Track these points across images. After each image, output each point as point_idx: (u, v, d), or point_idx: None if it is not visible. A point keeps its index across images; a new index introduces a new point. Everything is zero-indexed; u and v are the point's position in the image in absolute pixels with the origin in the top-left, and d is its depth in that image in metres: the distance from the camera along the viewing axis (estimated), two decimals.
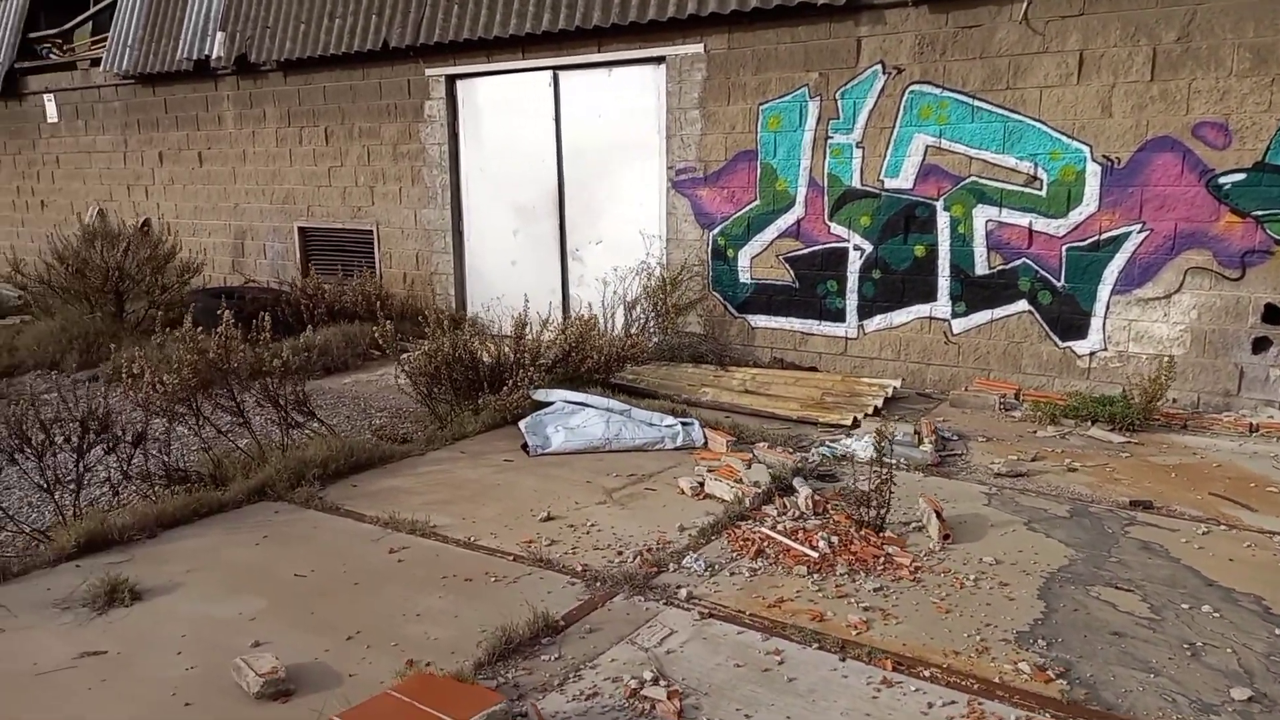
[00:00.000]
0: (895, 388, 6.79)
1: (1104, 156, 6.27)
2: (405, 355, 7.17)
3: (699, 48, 7.75)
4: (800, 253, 7.56)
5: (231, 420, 5.45)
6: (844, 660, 3.01)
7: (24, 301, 12.57)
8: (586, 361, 6.60)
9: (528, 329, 6.56)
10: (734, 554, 3.89)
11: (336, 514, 4.48)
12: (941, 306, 7.00)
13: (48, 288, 8.74)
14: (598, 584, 3.62)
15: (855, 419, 6.06)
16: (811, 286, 7.56)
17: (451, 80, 9.41)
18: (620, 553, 3.96)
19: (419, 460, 5.37)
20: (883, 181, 7.10)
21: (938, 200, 6.88)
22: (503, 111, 9.16)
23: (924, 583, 3.60)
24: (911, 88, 6.87)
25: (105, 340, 8.40)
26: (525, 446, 5.48)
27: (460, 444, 5.68)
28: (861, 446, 5.32)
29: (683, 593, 3.51)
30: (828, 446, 5.46)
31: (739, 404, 6.50)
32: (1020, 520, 4.28)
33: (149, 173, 12.38)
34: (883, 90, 6.99)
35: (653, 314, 8.10)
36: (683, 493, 4.70)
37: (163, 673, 3.03)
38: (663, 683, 2.88)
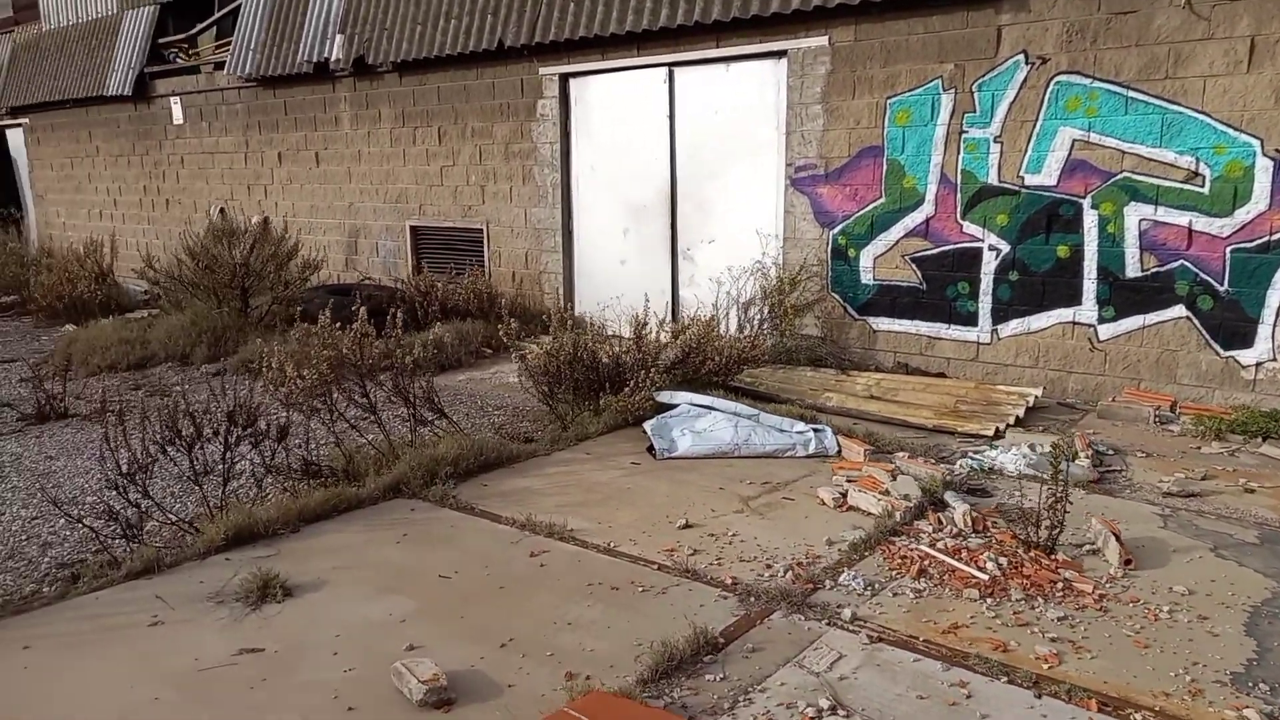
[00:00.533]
0: (1036, 396, 6.40)
1: (1276, 151, 5.77)
2: (524, 354, 7.17)
3: (823, 40, 7.50)
4: (929, 253, 7.23)
5: (359, 415, 5.48)
6: (1040, 698, 2.76)
7: (150, 296, 13.13)
8: (707, 363, 6.43)
9: (646, 329, 6.44)
10: (893, 573, 3.66)
11: (472, 514, 4.42)
12: (1086, 311, 6.58)
13: (177, 283, 9.05)
14: (751, 599, 3.45)
15: (997, 429, 5.72)
16: (940, 288, 7.22)
17: (565, 78, 9.37)
18: (769, 566, 3.77)
19: (545, 460, 5.29)
20: (1022, 178, 6.72)
21: (1084, 198, 6.47)
22: (616, 109, 9.07)
23: (1112, 613, 3.30)
24: (1058, 78, 6.47)
25: (232, 334, 8.66)
26: (651, 449, 5.34)
27: (584, 445, 5.58)
28: (1010, 459, 5.00)
29: (846, 613, 3.30)
30: (973, 459, 5.16)
31: (866, 410, 6.23)
32: (1205, 546, 3.92)
33: (268, 172, 12.76)
34: (1025, 81, 6.61)
35: (768, 315, 7.88)
36: (824, 504, 4.48)
37: (322, 674, 2.98)
38: (841, 712, 2.69)
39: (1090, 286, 6.54)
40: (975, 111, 6.87)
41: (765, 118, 8.08)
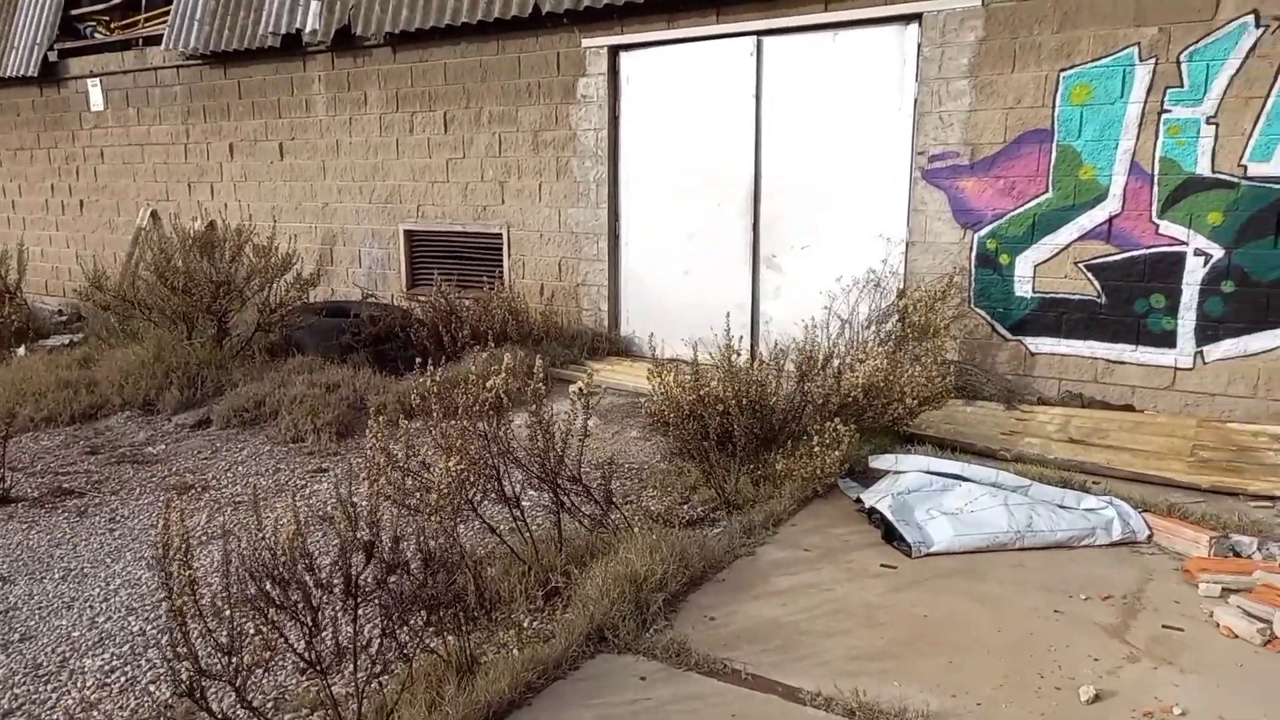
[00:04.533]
0: None
1: None
2: (584, 388, 5.60)
3: (974, 1, 6.13)
4: (1112, 259, 5.95)
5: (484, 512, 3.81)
6: None
7: (68, 318, 10.87)
8: (893, 407, 4.97)
9: (823, 360, 4.94)
10: None
11: (740, 682, 2.84)
12: None
13: (131, 305, 7.06)
14: None
15: None
16: (1125, 301, 5.95)
17: (615, 52, 7.77)
18: None
19: (757, 565, 3.73)
20: (1244, 167, 5.49)
21: None
22: (682, 88, 7.52)
23: None
24: None
25: (210, 371, 6.75)
26: (891, 537, 3.85)
27: (785, 533, 4.05)
28: None
29: None
30: None
31: (1089, 461, 4.86)
32: None
33: (216, 167, 10.70)
34: (1253, 49, 5.38)
35: (900, 337, 6.46)
36: (1235, 635, 3.08)
37: None
38: None
39: None
40: (1182, 86, 5.61)
41: (884, 97, 6.67)
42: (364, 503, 2.92)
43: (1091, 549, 3.79)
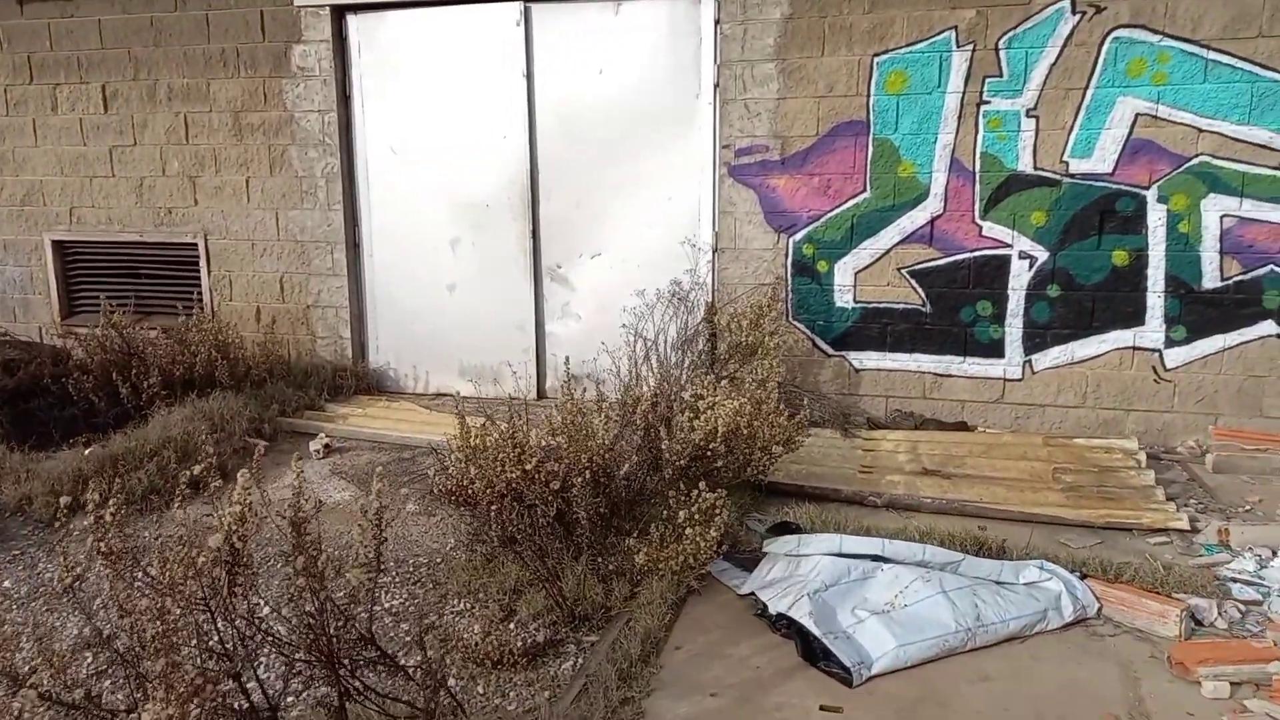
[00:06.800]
0: (1132, 450, 4.89)
1: None
2: (328, 444, 4.04)
3: None
4: (935, 263, 5.44)
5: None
6: None
7: None
8: (756, 456, 3.99)
9: (655, 400, 3.84)
10: None
11: None
12: (1150, 332, 5.21)
13: None
14: None
15: (1193, 520, 4.02)
16: (951, 310, 5.47)
17: (340, 13, 6.16)
18: None
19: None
20: (1066, 164, 5.17)
21: (1149, 189, 5.08)
22: (434, 63, 6.10)
23: None
24: (1116, 33, 4.99)
25: None
26: (814, 655, 2.84)
27: (667, 661, 2.90)
28: None
29: None
30: (1235, 581, 3.40)
31: (970, 501, 4.22)
32: None
33: None
34: (1071, 36, 5.05)
35: (715, 359, 5.56)
36: None
37: None
38: None
39: (1155, 301, 5.18)
40: (1002, 76, 5.18)
41: (682, 80, 5.73)
42: None
43: (1044, 635, 3.03)
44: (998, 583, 3.18)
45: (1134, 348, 5.25)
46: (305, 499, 2.26)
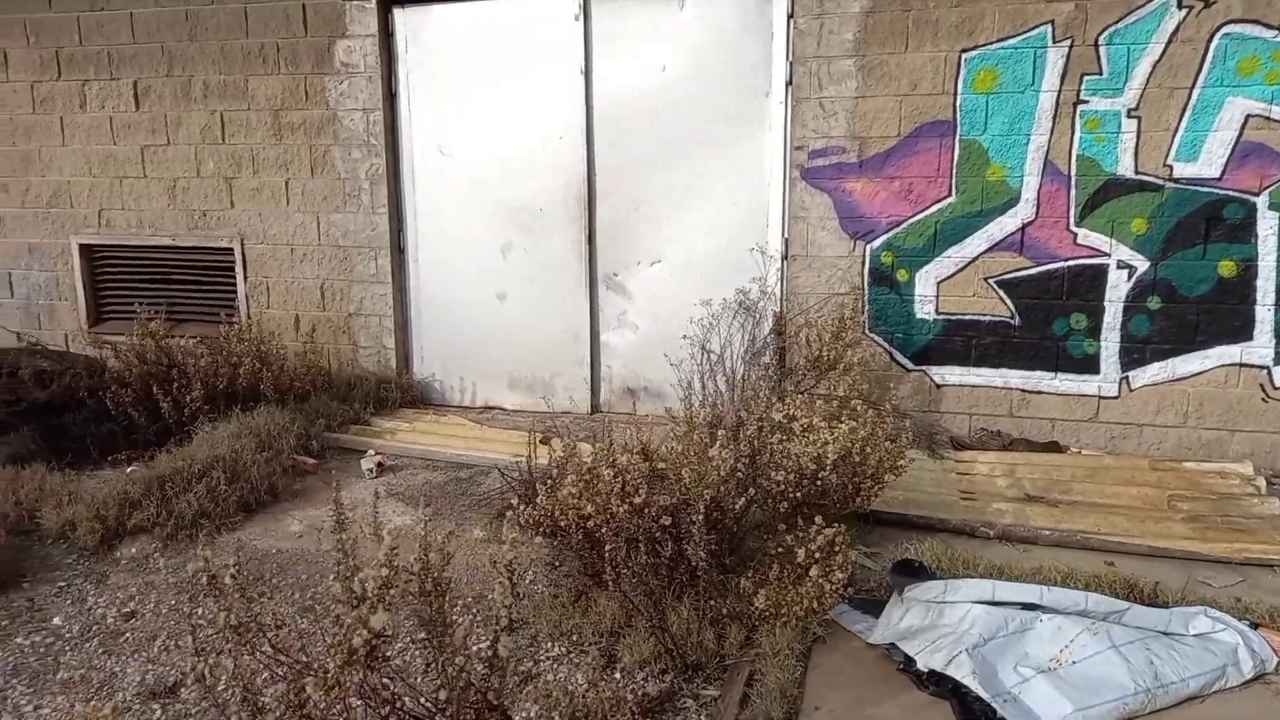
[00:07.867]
0: (1248, 475, 4.56)
1: None
2: (382, 461, 3.68)
3: None
4: (1026, 273, 5.12)
5: None
6: None
7: None
8: (865, 485, 3.66)
9: (762, 424, 3.52)
10: None
11: None
12: (1259, 349, 4.88)
13: None
14: None
15: None
16: (1042, 323, 5.15)
17: (387, 6, 5.85)
18: None
19: None
20: (1170, 167, 4.85)
21: (1259, 195, 4.75)
22: (485, 59, 5.79)
23: None
24: (1226, 29, 4.67)
25: None
26: (972, 717, 2.51)
27: None
28: None
29: None
30: None
31: (1094, 534, 3.88)
32: None
33: None
34: (1177, 32, 4.73)
35: (784, 373, 5.24)
36: None
37: None
38: None
39: (1265, 315, 4.85)
40: (1101, 74, 4.86)
41: (750, 78, 5.41)
42: None
43: (1224, 693, 2.71)
44: (1164, 633, 2.85)
45: (1240, 364, 4.92)
46: (431, 550, 1.93)
